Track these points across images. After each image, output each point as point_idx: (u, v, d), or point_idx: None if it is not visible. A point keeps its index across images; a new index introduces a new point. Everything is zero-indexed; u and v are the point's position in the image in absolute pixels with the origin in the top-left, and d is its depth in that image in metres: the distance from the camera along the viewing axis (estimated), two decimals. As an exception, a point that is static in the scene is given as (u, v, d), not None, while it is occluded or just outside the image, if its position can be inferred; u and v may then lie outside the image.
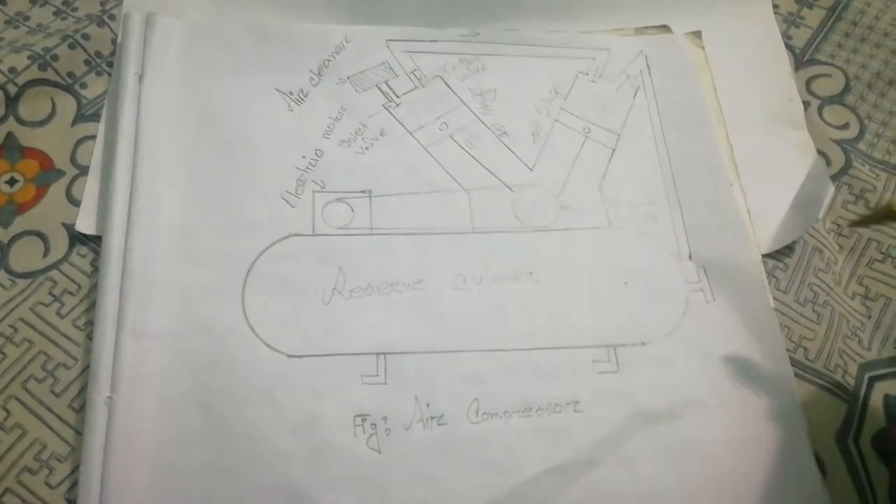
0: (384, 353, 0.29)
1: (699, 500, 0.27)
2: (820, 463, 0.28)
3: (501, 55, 0.36)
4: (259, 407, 0.27)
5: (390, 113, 0.34)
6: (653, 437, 0.28)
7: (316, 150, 0.33)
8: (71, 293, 0.30)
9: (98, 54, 0.35)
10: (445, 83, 0.35)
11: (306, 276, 0.30)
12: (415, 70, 0.35)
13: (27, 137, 0.33)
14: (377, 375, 0.28)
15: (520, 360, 0.29)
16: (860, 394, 0.30)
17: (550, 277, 0.31)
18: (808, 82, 0.38)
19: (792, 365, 0.30)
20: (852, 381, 0.30)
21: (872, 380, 0.30)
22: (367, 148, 0.33)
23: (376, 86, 0.35)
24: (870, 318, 0.32)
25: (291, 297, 0.29)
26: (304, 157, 0.32)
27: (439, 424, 0.28)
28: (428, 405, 0.28)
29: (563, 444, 0.28)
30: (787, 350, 0.30)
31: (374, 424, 0.27)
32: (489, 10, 0.37)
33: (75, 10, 0.36)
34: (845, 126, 0.37)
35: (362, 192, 0.32)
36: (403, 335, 0.29)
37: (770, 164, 0.35)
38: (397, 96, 0.35)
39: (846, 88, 0.38)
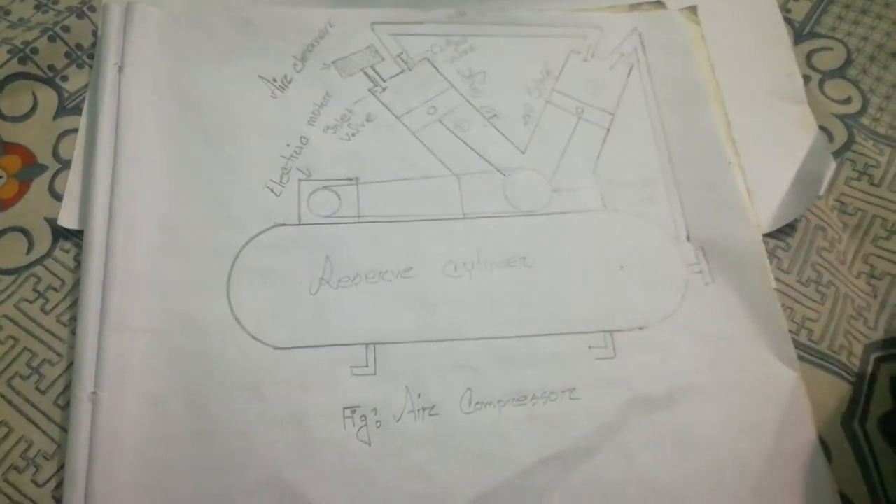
0: (374, 344, 0.28)
1: (699, 488, 0.26)
2: (825, 447, 0.27)
3: (490, 35, 0.35)
4: (246, 401, 0.27)
5: (377, 98, 0.33)
6: (651, 423, 0.27)
7: (301, 137, 0.32)
8: (55, 289, 0.29)
9: (79, 46, 0.34)
10: (433, 66, 0.34)
11: (293, 267, 0.29)
12: (401, 53, 0.34)
13: (9, 132, 0.32)
14: (367, 366, 0.28)
15: (513, 347, 0.28)
16: (866, 375, 0.29)
17: (544, 262, 0.30)
18: (809, 56, 0.37)
19: (795, 347, 0.29)
20: (857, 363, 0.29)
21: (879, 361, 0.29)
22: (353, 134, 0.32)
23: (362, 70, 0.34)
24: (875, 297, 0.31)
25: (278, 288, 0.29)
26: (288, 144, 0.32)
27: (431, 415, 0.27)
28: (419, 396, 0.27)
29: (558, 433, 0.27)
30: (790, 332, 0.29)
31: (364, 416, 0.27)
32: (476, -12, 0.36)
33: (56, 2, 0.36)
34: (847, 100, 0.36)
35: (349, 179, 0.31)
36: (393, 325, 0.28)
37: (770, 140, 0.34)
38: (383, 80, 0.34)
39: (847, 61, 0.37)
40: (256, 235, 0.30)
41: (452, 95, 0.34)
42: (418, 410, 0.27)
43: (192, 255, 0.29)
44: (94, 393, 0.26)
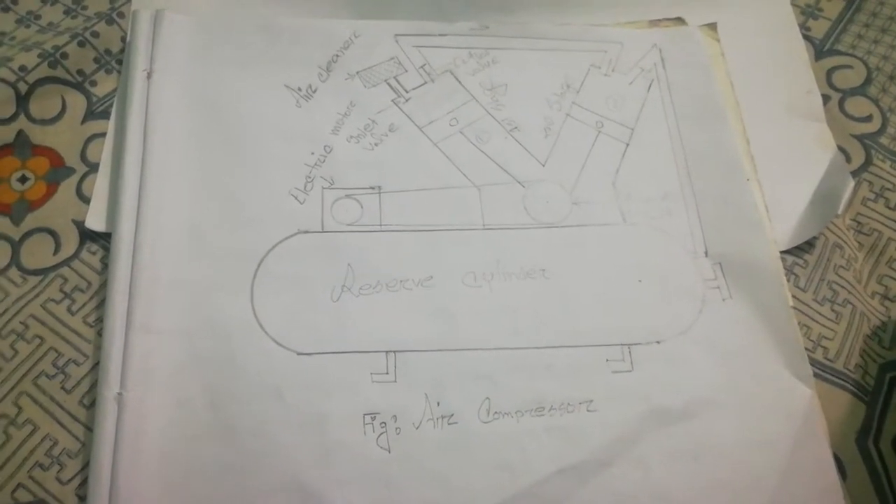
0: (394, 351, 0.28)
1: (714, 502, 0.27)
2: (840, 465, 0.28)
3: (512, 49, 0.36)
4: (268, 404, 0.27)
5: (399, 108, 0.34)
6: (667, 437, 0.27)
7: (325, 146, 0.32)
8: (81, 290, 0.30)
9: (108, 52, 0.35)
10: (455, 78, 0.35)
11: (315, 273, 0.29)
12: (424, 65, 0.35)
13: (38, 135, 0.33)
14: (387, 373, 0.28)
15: (532, 358, 0.29)
16: (880, 394, 0.29)
17: (563, 275, 0.30)
18: (829, 74, 0.37)
19: (811, 364, 0.29)
20: (873, 382, 0.29)
21: (893, 380, 0.29)
22: (376, 144, 0.33)
23: (385, 81, 0.34)
24: (890, 317, 0.31)
25: (300, 295, 0.29)
26: (312, 153, 0.32)
27: (450, 423, 0.27)
28: (438, 404, 0.28)
29: (575, 445, 0.27)
30: (807, 349, 0.29)
31: (384, 423, 0.27)
32: (499, 2, 0.36)
33: (85, 8, 0.36)
34: (867, 118, 0.36)
35: (371, 188, 0.32)
36: (413, 333, 0.29)
37: (788, 158, 0.34)
38: (406, 91, 0.34)
39: (868, 80, 0.37)
40: (280, 242, 0.30)
41: (474, 107, 0.34)
42: (437, 419, 0.27)
43: (217, 260, 0.29)
44: (119, 393, 0.27)
